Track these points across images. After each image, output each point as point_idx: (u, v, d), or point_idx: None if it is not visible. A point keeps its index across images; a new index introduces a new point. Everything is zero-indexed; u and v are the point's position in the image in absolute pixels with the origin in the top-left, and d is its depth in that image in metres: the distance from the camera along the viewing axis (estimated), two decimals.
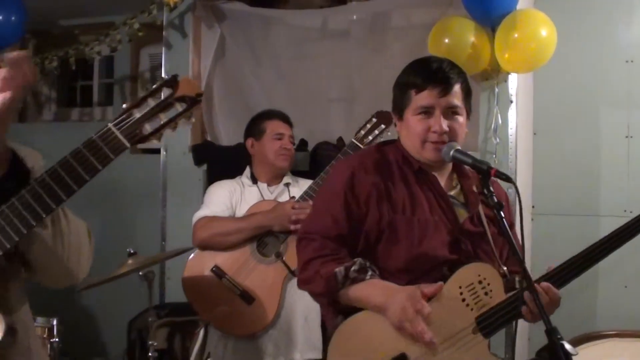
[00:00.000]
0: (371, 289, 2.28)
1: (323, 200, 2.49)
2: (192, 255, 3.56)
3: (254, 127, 3.71)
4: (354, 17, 4.48)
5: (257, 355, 3.41)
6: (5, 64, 1.62)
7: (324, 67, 4.57)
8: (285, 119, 3.73)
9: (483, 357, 2.28)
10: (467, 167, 2.35)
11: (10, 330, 1.73)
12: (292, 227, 3.31)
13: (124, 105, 1.68)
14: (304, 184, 3.61)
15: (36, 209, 1.64)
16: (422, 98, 2.34)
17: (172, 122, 1.69)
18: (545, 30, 3.51)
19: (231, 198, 3.56)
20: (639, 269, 3.78)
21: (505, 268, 2.36)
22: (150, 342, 3.56)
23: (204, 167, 4.55)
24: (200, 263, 3.50)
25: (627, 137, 3.93)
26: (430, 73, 2.35)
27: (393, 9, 4.40)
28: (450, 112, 2.34)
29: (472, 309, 2.27)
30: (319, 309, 3.29)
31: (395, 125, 2.49)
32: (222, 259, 3.46)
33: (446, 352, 2.26)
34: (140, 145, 5.01)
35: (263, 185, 3.62)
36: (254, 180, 3.63)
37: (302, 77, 4.55)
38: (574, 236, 3.77)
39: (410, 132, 2.38)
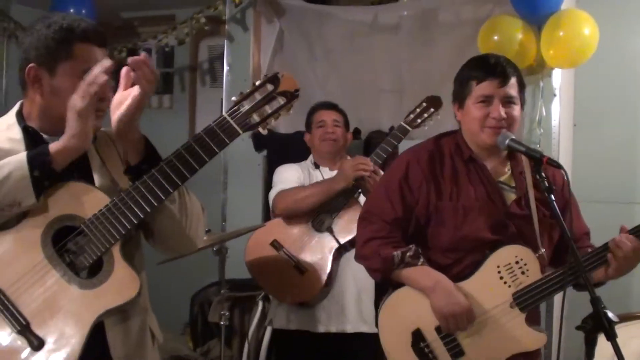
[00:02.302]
0: (422, 273, 2.62)
1: (384, 187, 2.80)
2: (253, 233, 3.82)
3: (307, 122, 3.93)
4: (405, 13, 4.73)
5: (312, 322, 3.65)
6: (130, 66, 1.89)
7: (374, 60, 4.82)
8: (327, 106, 3.90)
9: (520, 329, 2.57)
10: (520, 154, 2.60)
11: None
12: (358, 174, 3.50)
13: (234, 98, 1.93)
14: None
15: (165, 186, 1.92)
16: (483, 88, 2.60)
17: (275, 113, 1.93)
18: (588, 29, 3.75)
19: (300, 177, 3.79)
20: None
21: (543, 250, 2.60)
22: (222, 312, 3.84)
23: (264, 153, 4.80)
24: (262, 238, 3.74)
25: None
26: (490, 66, 2.62)
27: (442, 6, 4.64)
28: (507, 101, 2.59)
29: (509, 286, 2.56)
30: (373, 286, 3.66)
31: (455, 115, 2.76)
32: (280, 234, 3.70)
33: (483, 324, 2.58)
34: None
35: (325, 169, 3.85)
36: (316, 165, 3.86)
37: (354, 70, 4.81)
38: (610, 223, 3.93)
39: (471, 118, 2.64)
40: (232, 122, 1.90)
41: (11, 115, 2.11)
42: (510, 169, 2.71)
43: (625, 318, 3.71)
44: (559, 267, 2.56)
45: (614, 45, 4.04)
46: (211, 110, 5.35)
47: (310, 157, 3.93)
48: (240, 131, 1.91)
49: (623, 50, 4.18)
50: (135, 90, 1.88)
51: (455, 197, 2.65)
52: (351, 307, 3.67)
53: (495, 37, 3.89)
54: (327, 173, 3.84)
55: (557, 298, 2.66)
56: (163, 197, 1.92)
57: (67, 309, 1.91)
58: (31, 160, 1.90)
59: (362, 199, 3.62)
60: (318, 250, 3.64)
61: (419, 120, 3.60)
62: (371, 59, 4.84)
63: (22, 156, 1.91)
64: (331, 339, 3.65)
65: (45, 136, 2.06)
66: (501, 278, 2.57)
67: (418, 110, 3.61)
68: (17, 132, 2.06)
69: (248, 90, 1.93)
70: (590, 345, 2.19)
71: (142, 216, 1.93)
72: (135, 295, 1.96)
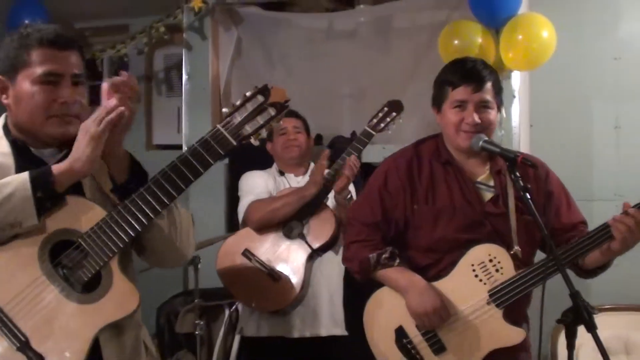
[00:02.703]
0: (397, 274, 2.73)
1: (365, 193, 2.92)
2: (223, 242, 3.81)
3: (268, 131, 3.94)
4: (361, 19, 4.81)
5: (286, 329, 3.65)
6: (111, 89, 1.89)
7: (332, 66, 4.88)
8: (287, 113, 3.89)
9: (497, 325, 2.64)
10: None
11: None
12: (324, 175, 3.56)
13: (225, 110, 1.96)
14: None
15: (153, 205, 1.93)
16: (458, 93, 2.67)
17: (267, 124, 1.95)
18: (546, 32, 3.86)
19: (267, 185, 3.79)
20: None
21: (517, 247, 2.66)
22: (197, 322, 3.85)
23: (225, 161, 4.79)
24: (232, 248, 3.73)
25: (615, 127, 4.33)
26: (465, 72, 2.69)
27: (397, 13, 4.72)
28: (482, 106, 2.67)
29: (485, 284, 2.64)
30: (342, 289, 3.73)
31: (436, 118, 2.82)
32: (251, 242, 3.69)
33: (462, 321, 2.66)
34: (158, 142, 5.33)
35: (290, 176, 3.87)
36: (281, 172, 3.87)
37: (312, 76, 4.85)
38: None
39: (447, 122, 2.72)
40: (225, 133, 1.92)
41: None
42: (489, 168, 2.77)
43: None
44: (533, 264, 2.64)
45: (568, 47, 4.14)
46: (168, 120, 5.32)
47: (275, 165, 3.94)
48: (234, 142, 1.93)
49: (578, 53, 4.32)
50: (119, 110, 1.88)
51: (431, 200, 2.73)
52: (324, 310, 3.70)
53: (456, 41, 3.97)
54: (293, 179, 3.87)
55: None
56: (159, 209, 1.93)
57: (66, 324, 1.91)
58: (34, 181, 1.90)
59: (330, 203, 3.66)
60: (291, 257, 3.64)
61: (382, 125, 3.65)
62: (329, 65, 4.89)
63: (24, 176, 1.91)
64: (305, 344, 3.67)
65: (33, 149, 2.06)
66: (476, 276, 2.65)
67: (380, 114, 3.66)
68: (4, 145, 2.05)
69: (239, 102, 1.95)
70: (570, 337, 2.25)
71: (139, 229, 1.94)
72: (136, 308, 1.97)
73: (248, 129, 1.93)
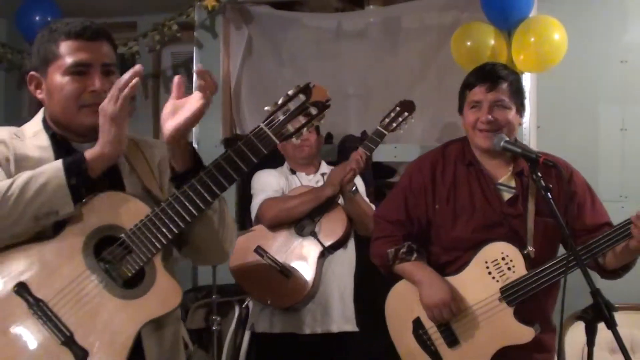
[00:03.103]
0: (413, 268, 2.84)
1: (392, 193, 3.03)
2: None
3: None
4: (371, 20, 4.85)
5: (298, 325, 3.70)
6: (198, 74, 1.89)
7: (341, 66, 4.92)
8: None
9: (508, 322, 2.71)
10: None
11: None
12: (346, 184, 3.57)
13: (267, 108, 1.94)
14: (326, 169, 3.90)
15: (204, 195, 1.92)
16: (473, 94, 2.77)
17: (309, 123, 1.95)
18: (558, 35, 3.91)
19: (280, 183, 3.83)
20: None
21: (530, 248, 2.72)
22: (214, 317, 3.90)
23: None
24: (244, 245, 3.75)
25: (622, 129, 4.40)
26: (481, 73, 2.78)
27: (406, 13, 4.78)
28: (497, 105, 2.73)
29: (497, 281, 2.72)
30: (353, 286, 3.79)
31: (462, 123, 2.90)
32: (264, 239, 3.73)
33: (474, 316, 2.74)
34: None
35: (302, 174, 3.91)
36: (293, 171, 3.91)
37: (320, 75, 4.86)
38: None
39: (466, 123, 2.82)
40: (269, 132, 1.91)
41: (36, 122, 2.12)
42: (511, 169, 2.82)
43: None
44: (549, 263, 2.67)
45: (576, 50, 4.17)
46: None
47: (286, 164, 3.97)
48: (277, 141, 1.92)
49: (585, 55, 4.36)
50: (197, 100, 1.89)
51: (452, 200, 2.81)
52: (335, 307, 3.74)
53: (468, 43, 4.02)
54: (304, 178, 3.90)
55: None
56: (203, 207, 1.93)
57: (110, 320, 1.91)
58: (68, 168, 1.90)
59: (341, 201, 3.70)
60: (303, 255, 3.69)
61: (394, 124, 3.66)
62: (338, 65, 4.94)
63: (57, 164, 1.91)
64: (316, 340, 3.71)
65: (73, 144, 2.07)
66: (489, 273, 2.72)
67: (393, 114, 3.67)
68: (44, 139, 2.06)
69: (281, 101, 1.94)
70: (591, 334, 2.29)
71: (183, 226, 1.94)
72: (178, 305, 1.97)
73: (290, 128, 1.93)
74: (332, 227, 3.67)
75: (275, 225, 3.73)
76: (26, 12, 4.70)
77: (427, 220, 2.86)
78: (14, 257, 1.91)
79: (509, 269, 2.70)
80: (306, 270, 3.66)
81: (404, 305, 2.89)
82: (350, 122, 4.81)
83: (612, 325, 2.24)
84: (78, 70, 2.00)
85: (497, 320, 2.71)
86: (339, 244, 3.71)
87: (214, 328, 3.87)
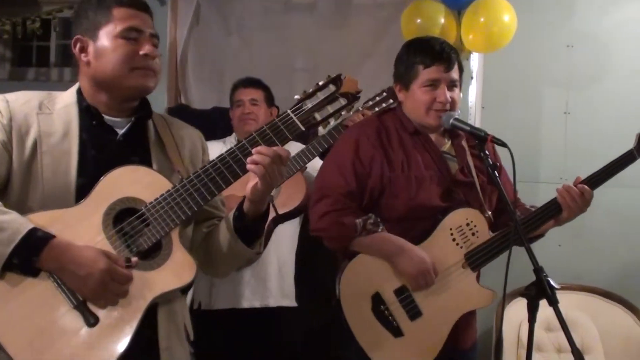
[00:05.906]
0: (384, 240, 2.74)
1: (334, 164, 2.88)
2: None
3: (229, 99, 3.90)
4: None
5: (237, 299, 3.66)
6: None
7: (289, 39, 4.88)
8: (246, 84, 3.86)
9: (471, 287, 2.76)
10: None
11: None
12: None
13: (297, 97, 2.04)
14: (295, 147, 3.67)
15: (226, 175, 2.01)
16: (430, 72, 2.74)
17: (336, 114, 2.03)
18: (507, 16, 3.94)
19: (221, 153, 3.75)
20: (572, 230, 4.25)
21: (489, 213, 2.80)
22: None
23: None
24: None
25: (565, 113, 4.48)
26: (436, 52, 2.75)
27: None
28: (451, 85, 2.76)
29: (461, 247, 2.76)
30: (293, 262, 3.76)
31: (397, 96, 2.88)
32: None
33: (440, 283, 2.74)
34: None
35: None
36: (239, 142, 3.81)
37: (267, 47, 4.84)
38: None
39: (417, 101, 2.78)
40: (295, 118, 2.01)
41: (70, 94, 2.14)
42: (449, 139, 2.88)
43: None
44: (502, 229, 2.75)
45: (524, 32, 4.20)
46: None
47: (233, 134, 3.90)
48: (303, 128, 2.01)
49: (532, 38, 4.42)
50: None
51: (406, 167, 2.78)
52: (273, 282, 3.71)
53: (418, 20, 4.02)
54: None
55: None
56: (224, 186, 2.01)
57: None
58: (17, 249, 1.84)
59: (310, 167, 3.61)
60: None
61: (376, 109, 3.49)
62: (285, 37, 4.89)
63: (19, 234, 1.84)
64: (254, 314, 3.68)
65: (106, 117, 2.09)
66: (454, 240, 2.75)
67: (378, 98, 3.54)
68: (73, 114, 2.07)
69: (311, 90, 2.04)
70: (532, 311, 2.32)
71: (202, 204, 2.01)
72: (192, 280, 1.99)
73: (317, 116, 2.01)
74: (290, 195, 3.59)
75: None
76: None
77: (381, 190, 2.78)
78: (36, 220, 1.89)
79: (473, 234, 2.75)
80: None
81: (360, 282, 2.78)
82: (296, 96, 4.75)
83: (553, 303, 2.27)
84: (130, 36, 2.06)
85: (461, 286, 2.74)
86: (292, 215, 3.64)
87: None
